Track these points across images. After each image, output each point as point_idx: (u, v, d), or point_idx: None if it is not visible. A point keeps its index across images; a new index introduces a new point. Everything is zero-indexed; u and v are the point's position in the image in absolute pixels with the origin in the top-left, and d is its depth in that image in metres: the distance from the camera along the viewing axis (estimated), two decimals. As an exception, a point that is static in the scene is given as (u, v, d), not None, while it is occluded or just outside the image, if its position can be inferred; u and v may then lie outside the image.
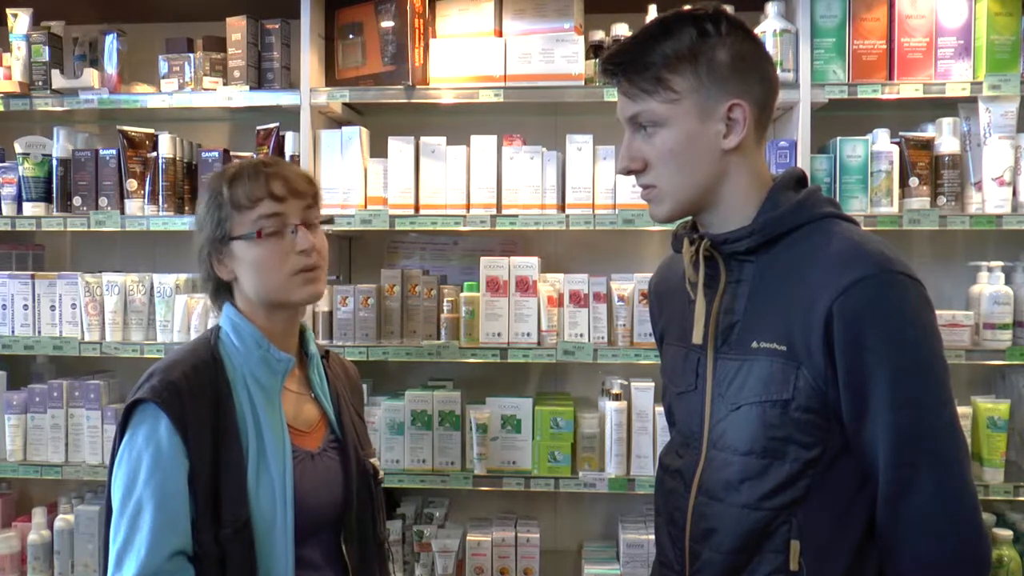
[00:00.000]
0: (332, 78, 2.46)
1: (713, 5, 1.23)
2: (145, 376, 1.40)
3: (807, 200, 1.24)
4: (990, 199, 2.19)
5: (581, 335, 2.32)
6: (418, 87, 2.32)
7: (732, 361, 1.24)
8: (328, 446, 1.53)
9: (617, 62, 1.25)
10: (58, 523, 2.45)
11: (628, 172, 1.27)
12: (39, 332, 2.49)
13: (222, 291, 1.51)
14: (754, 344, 1.21)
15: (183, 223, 2.37)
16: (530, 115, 2.59)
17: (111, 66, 2.48)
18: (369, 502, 1.56)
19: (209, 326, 2.08)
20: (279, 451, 1.41)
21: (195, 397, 1.36)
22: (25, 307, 2.49)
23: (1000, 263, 2.25)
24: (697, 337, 1.26)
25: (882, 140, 2.23)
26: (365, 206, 2.37)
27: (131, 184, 2.42)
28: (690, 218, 1.34)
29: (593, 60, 2.32)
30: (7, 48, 2.49)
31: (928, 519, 1.12)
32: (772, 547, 1.17)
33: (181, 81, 2.43)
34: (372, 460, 1.60)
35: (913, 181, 2.23)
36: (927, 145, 2.24)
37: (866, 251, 1.15)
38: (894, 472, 1.12)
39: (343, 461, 1.53)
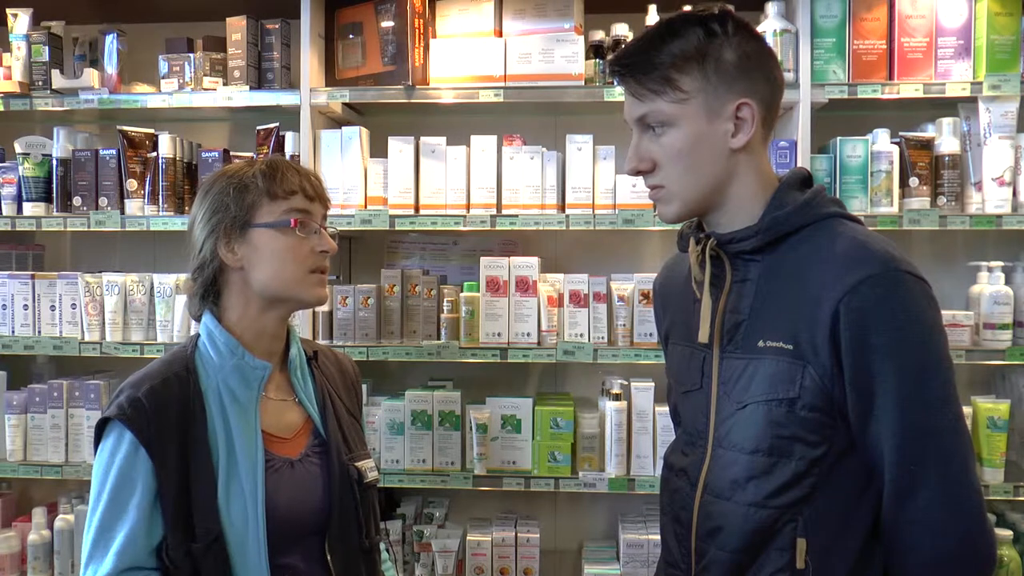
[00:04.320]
0: (332, 78, 2.46)
1: (719, 6, 1.24)
2: (116, 391, 1.40)
3: (813, 200, 1.24)
4: (990, 199, 2.19)
5: (581, 335, 2.33)
6: (418, 87, 2.32)
7: (738, 360, 1.24)
8: (311, 451, 1.49)
9: (625, 63, 1.25)
10: (58, 523, 2.44)
11: (637, 173, 1.28)
12: (39, 332, 2.49)
13: (212, 287, 1.46)
14: (760, 343, 1.21)
15: (183, 223, 2.36)
16: (530, 115, 2.59)
17: (111, 66, 2.48)
18: (353, 508, 1.50)
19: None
20: (250, 462, 1.39)
21: (160, 413, 1.36)
22: (25, 307, 2.49)
23: (1000, 263, 2.26)
24: (703, 336, 1.26)
25: (882, 140, 2.23)
26: (365, 206, 2.36)
27: (131, 184, 2.42)
28: (696, 218, 1.34)
29: (593, 60, 2.32)
30: (7, 48, 2.49)
31: (933, 517, 1.12)
32: (778, 545, 1.18)
33: (181, 81, 2.43)
34: (358, 464, 1.54)
35: (913, 181, 2.23)
36: (927, 145, 2.24)
37: (872, 250, 1.16)
38: (899, 470, 1.13)
39: (326, 466, 1.49)
